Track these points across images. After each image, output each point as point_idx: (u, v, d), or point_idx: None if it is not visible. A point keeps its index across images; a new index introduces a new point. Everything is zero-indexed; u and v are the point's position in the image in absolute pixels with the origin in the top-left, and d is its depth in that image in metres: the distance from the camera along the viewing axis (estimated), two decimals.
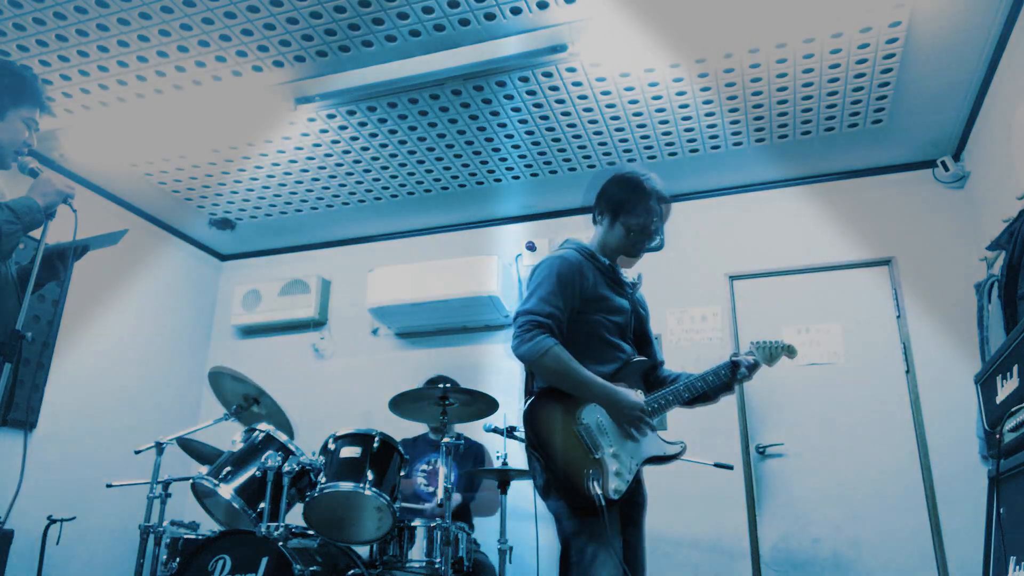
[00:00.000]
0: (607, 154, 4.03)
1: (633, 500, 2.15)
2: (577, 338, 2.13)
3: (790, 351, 2.38)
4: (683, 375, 2.30)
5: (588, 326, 2.17)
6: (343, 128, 3.81)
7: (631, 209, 2.25)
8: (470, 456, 3.79)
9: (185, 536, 2.95)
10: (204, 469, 2.87)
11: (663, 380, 2.33)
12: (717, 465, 3.42)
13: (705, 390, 2.23)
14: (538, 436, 2.05)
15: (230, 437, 3.01)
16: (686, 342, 4.19)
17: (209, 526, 3.24)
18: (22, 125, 2.14)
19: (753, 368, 2.28)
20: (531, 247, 4.62)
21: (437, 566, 2.79)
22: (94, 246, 2.24)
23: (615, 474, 2.02)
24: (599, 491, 1.94)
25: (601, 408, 2.09)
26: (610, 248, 2.30)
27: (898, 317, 3.90)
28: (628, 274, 2.38)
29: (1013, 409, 2.08)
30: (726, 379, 2.24)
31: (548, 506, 2.08)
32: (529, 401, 2.12)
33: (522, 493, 3.71)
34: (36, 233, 2.07)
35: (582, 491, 1.95)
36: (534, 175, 4.27)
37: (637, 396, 2.13)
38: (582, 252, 2.25)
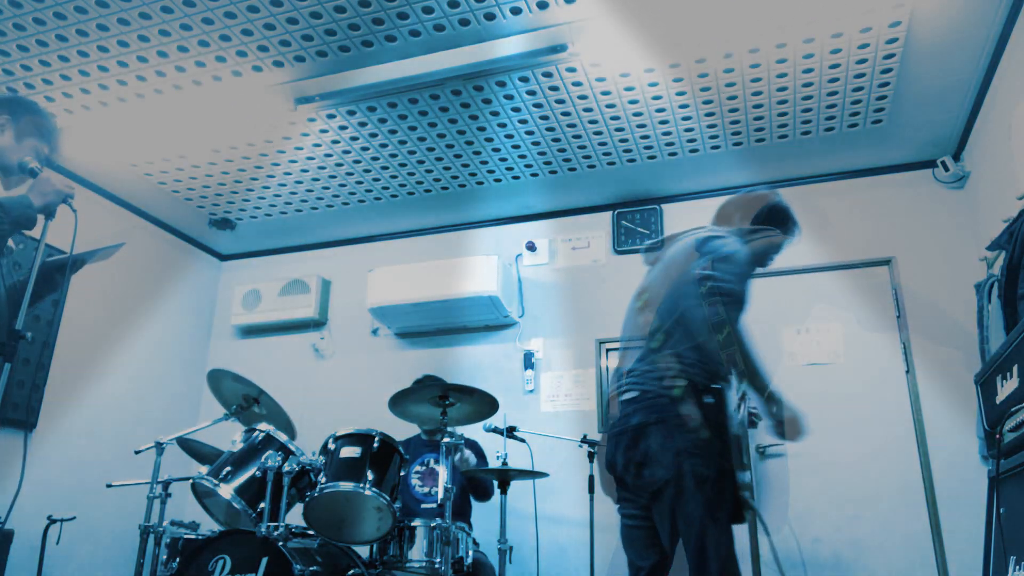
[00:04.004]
0: (607, 154, 4.03)
1: None
2: None
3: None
4: None
5: None
6: (343, 128, 3.81)
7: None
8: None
9: (185, 536, 2.95)
10: (204, 469, 2.87)
11: None
12: None
13: None
14: None
15: (230, 437, 3.02)
16: None
17: (209, 526, 3.24)
18: (32, 154, 2.23)
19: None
20: (531, 247, 4.62)
21: (437, 566, 2.79)
22: (91, 260, 2.33)
23: None
24: None
25: None
26: None
27: (898, 317, 3.90)
28: None
29: (1013, 409, 2.08)
30: None
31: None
32: None
33: (522, 493, 3.71)
34: (36, 233, 2.08)
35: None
36: (534, 175, 4.27)
37: None
38: None
